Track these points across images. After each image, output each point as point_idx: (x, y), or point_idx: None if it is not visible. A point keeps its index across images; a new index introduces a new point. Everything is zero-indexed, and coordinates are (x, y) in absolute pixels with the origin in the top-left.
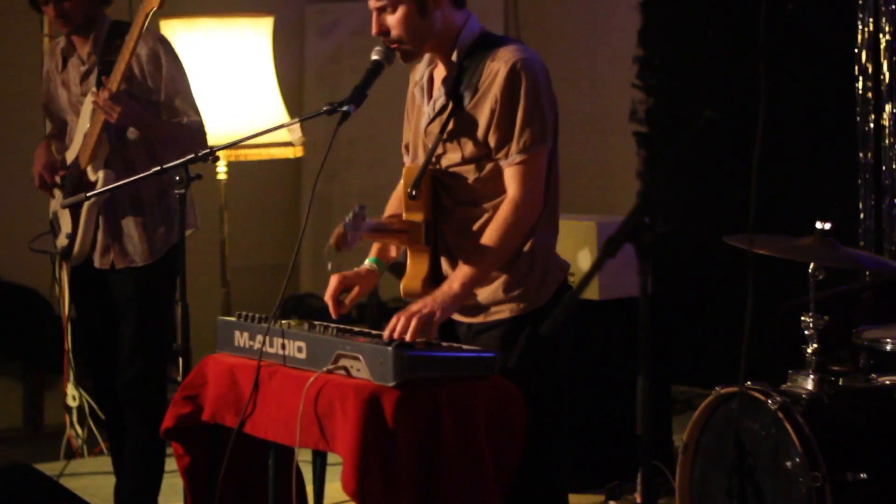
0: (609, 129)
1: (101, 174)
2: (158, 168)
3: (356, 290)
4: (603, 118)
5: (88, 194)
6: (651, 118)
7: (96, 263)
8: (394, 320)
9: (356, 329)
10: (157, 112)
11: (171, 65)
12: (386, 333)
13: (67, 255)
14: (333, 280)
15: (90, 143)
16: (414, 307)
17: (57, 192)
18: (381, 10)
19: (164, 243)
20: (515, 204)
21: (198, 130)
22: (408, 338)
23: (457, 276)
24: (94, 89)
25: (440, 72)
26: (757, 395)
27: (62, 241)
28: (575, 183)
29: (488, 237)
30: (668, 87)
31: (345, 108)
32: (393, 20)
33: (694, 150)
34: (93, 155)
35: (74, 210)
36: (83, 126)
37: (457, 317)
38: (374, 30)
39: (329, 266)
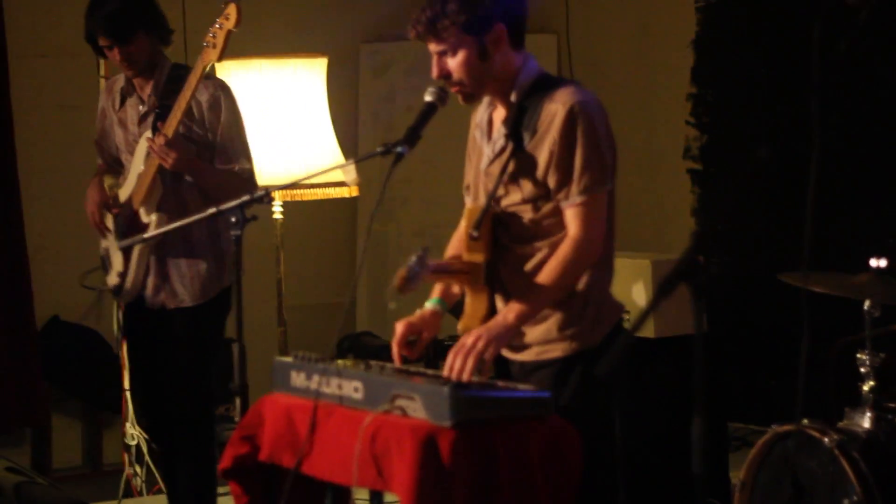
0: (663, 167)
1: (154, 217)
2: (214, 210)
3: (423, 335)
4: (656, 156)
5: (146, 236)
6: (705, 156)
7: (147, 303)
8: (450, 359)
9: (412, 369)
10: (210, 155)
11: (230, 113)
12: (445, 372)
13: (118, 293)
14: (399, 327)
15: (144, 185)
16: (468, 341)
17: (109, 230)
18: (442, 54)
19: (215, 284)
20: (576, 242)
21: (248, 179)
22: (465, 377)
23: (512, 308)
24: (149, 133)
25: (500, 113)
26: (814, 433)
27: (113, 278)
28: (629, 221)
29: (546, 273)
30: (721, 125)
31: (399, 149)
32: (454, 63)
33: (748, 188)
34: (146, 197)
35: (126, 249)
36: (137, 166)
37: (509, 354)
38: (434, 73)
39: (392, 305)
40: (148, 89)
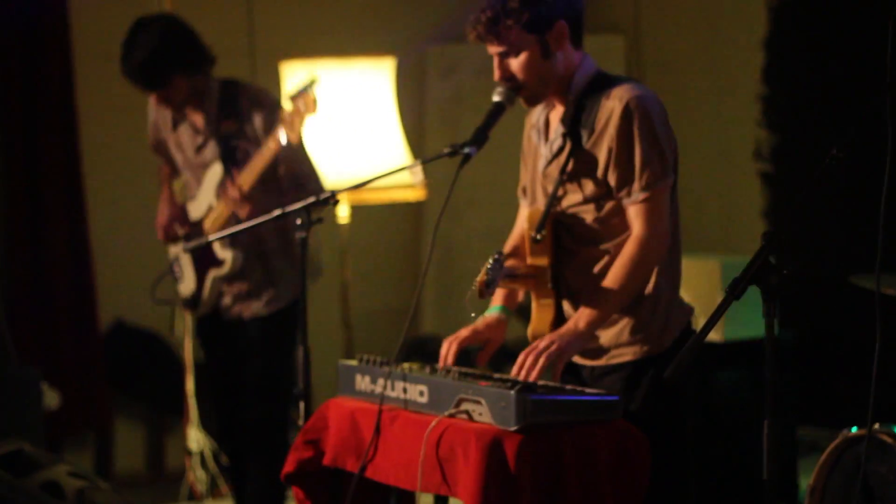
0: (733, 168)
1: (230, 255)
2: (279, 211)
3: (489, 345)
4: (727, 157)
5: (210, 238)
6: (776, 157)
7: (224, 316)
8: (521, 357)
9: (478, 372)
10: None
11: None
12: (514, 371)
13: (192, 307)
14: (464, 332)
15: (218, 220)
16: (541, 344)
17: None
18: (504, 55)
19: (289, 291)
20: (641, 240)
21: (315, 185)
22: (533, 376)
23: (582, 315)
24: (219, 168)
25: (556, 113)
26: (885, 437)
27: (185, 290)
28: (699, 222)
29: (614, 275)
30: (792, 126)
31: (466, 150)
32: (516, 64)
33: (820, 189)
34: (220, 230)
35: (198, 266)
36: (208, 195)
37: (579, 360)
38: (496, 75)
39: (473, 314)
40: (199, 119)
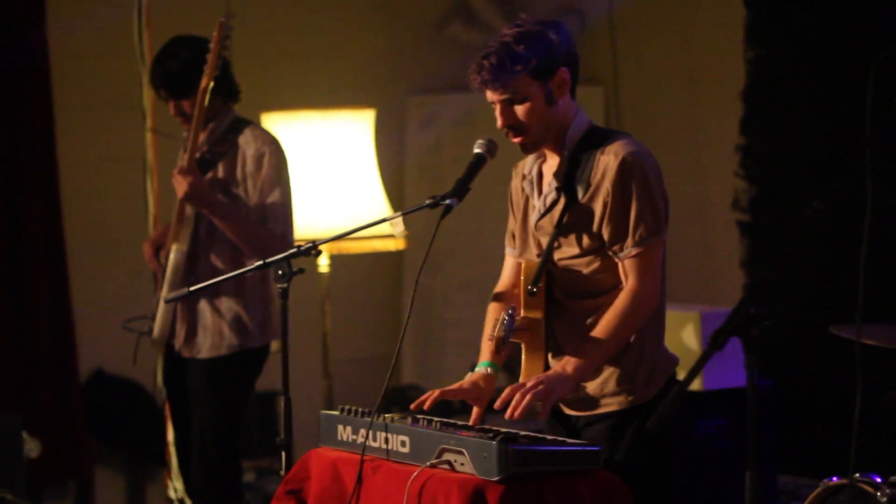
0: (711, 219)
1: (171, 254)
2: (261, 262)
3: (478, 402)
4: (705, 207)
5: (191, 289)
6: (754, 207)
7: (175, 347)
8: (507, 392)
9: (460, 423)
10: (248, 210)
11: (273, 169)
12: (498, 404)
13: (150, 334)
14: (451, 387)
15: (174, 222)
16: (529, 383)
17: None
18: (508, 103)
19: (238, 340)
20: (633, 294)
21: (279, 239)
22: (518, 413)
23: (570, 361)
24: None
25: (549, 166)
26: (866, 487)
27: (152, 322)
28: (678, 272)
29: (604, 325)
30: (771, 176)
31: (447, 201)
32: (522, 111)
33: (800, 240)
34: (175, 234)
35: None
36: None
37: (565, 409)
38: (499, 122)
39: (469, 377)
40: (203, 136)
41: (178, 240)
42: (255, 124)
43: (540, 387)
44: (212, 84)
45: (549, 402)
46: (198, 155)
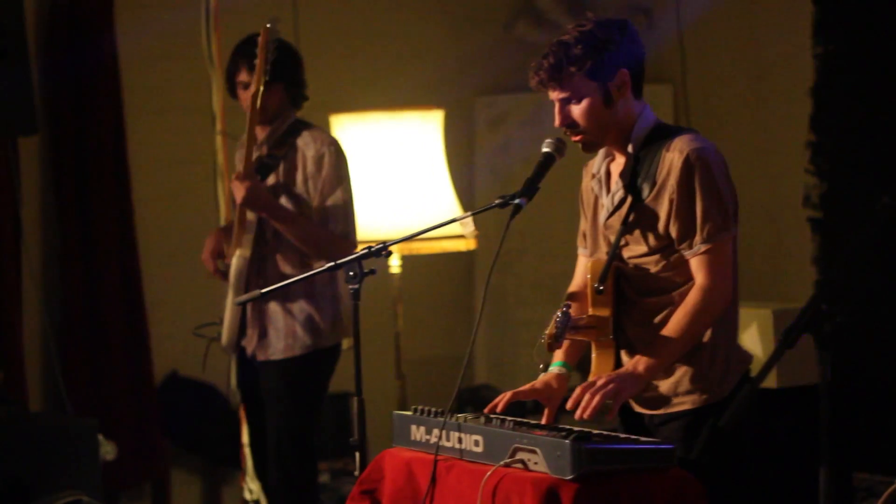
0: (782, 216)
1: (234, 260)
2: (333, 264)
3: (552, 401)
4: (776, 204)
5: (263, 291)
6: (825, 204)
7: (248, 351)
8: (578, 392)
9: (533, 421)
10: (310, 212)
11: (334, 170)
12: (569, 404)
13: (220, 338)
14: (523, 388)
15: (236, 228)
16: (599, 382)
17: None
18: (566, 102)
19: (312, 340)
20: (704, 290)
21: (342, 238)
22: (587, 413)
23: (641, 360)
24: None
25: (617, 165)
26: None
27: (221, 327)
28: (749, 270)
29: (675, 323)
30: (842, 173)
31: (517, 201)
32: (578, 111)
33: (872, 236)
34: (237, 240)
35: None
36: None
37: (638, 408)
38: (557, 121)
39: (542, 367)
40: (263, 136)
41: (240, 245)
42: (315, 126)
43: (610, 385)
44: (262, 89)
45: (619, 400)
46: (256, 155)
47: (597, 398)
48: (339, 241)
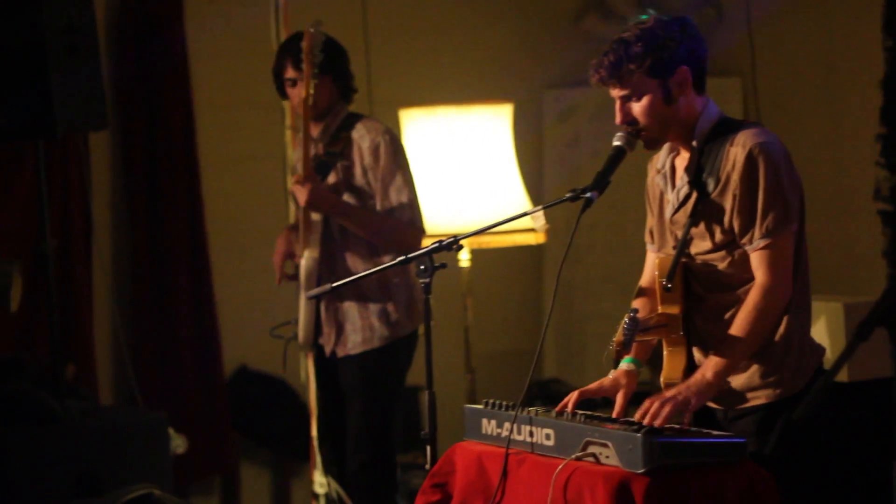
0: (853, 209)
1: (303, 261)
2: (403, 258)
3: (620, 399)
4: (846, 198)
5: (334, 285)
6: None
7: (326, 350)
8: (647, 403)
9: (604, 415)
10: (372, 202)
11: (391, 158)
12: (637, 415)
13: (296, 337)
14: (591, 386)
15: (301, 228)
16: (668, 393)
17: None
18: (626, 99)
19: (388, 332)
20: (764, 289)
21: (409, 225)
22: (658, 422)
23: (709, 366)
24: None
25: (682, 160)
26: None
27: (297, 327)
28: (819, 264)
29: (738, 324)
30: None
31: (588, 194)
32: (638, 108)
33: None
34: (305, 239)
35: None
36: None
37: (712, 404)
38: (618, 119)
39: (611, 374)
40: (318, 131)
41: (308, 246)
42: (367, 116)
43: (679, 396)
44: (312, 92)
45: (690, 410)
46: (313, 155)
47: (666, 408)
48: (406, 230)
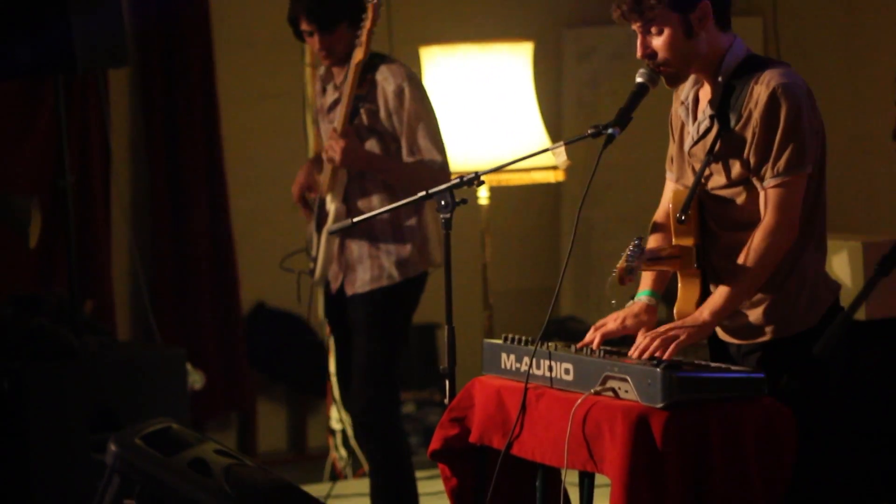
0: (872, 149)
1: (333, 206)
2: (425, 193)
3: (641, 334)
4: (866, 138)
5: (355, 220)
6: None
7: (332, 287)
8: (639, 338)
9: (623, 350)
10: (397, 146)
11: (416, 102)
12: (631, 351)
13: (313, 274)
14: (611, 324)
15: (327, 173)
16: (661, 328)
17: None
18: (647, 33)
19: (396, 271)
20: (768, 230)
21: (439, 170)
22: (646, 356)
23: (707, 305)
24: (335, 123)
25: (705, 93)
26: None
27: (311, 262)
28: (839, 203)
29: (739, 264)
30: None
31: (610, 130)
32: (659, 42)
33: None
34: (331, 185)
35: (318, 234)
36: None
37: (726, 338)
38: (639, 52)
39: (613, 302)
40: (342, 76)
41: (332, 190)
42: (389, 58)
43: (670, 333)
44: (362, 58)
45: (681, 347)
46: (335, 97)
47: (655, 342)
48: (438, 175)
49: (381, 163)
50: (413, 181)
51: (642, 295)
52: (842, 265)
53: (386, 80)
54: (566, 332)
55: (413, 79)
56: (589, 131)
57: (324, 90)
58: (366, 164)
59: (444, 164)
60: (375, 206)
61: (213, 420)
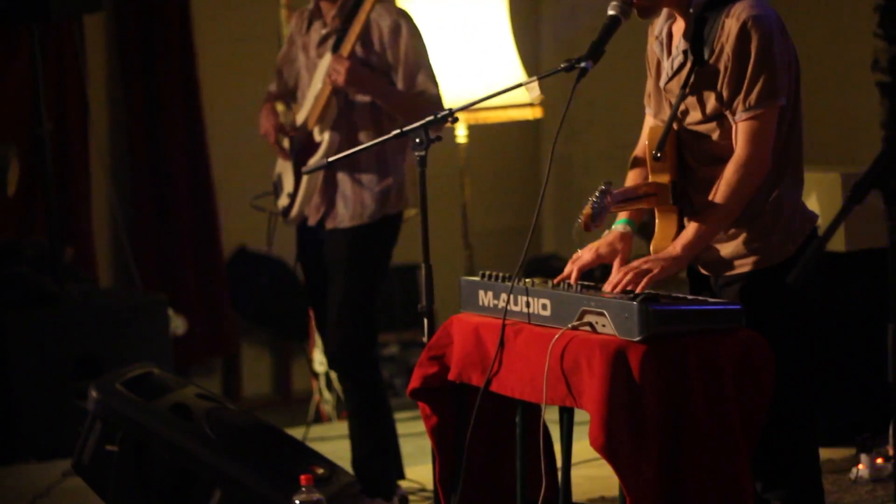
0: (851, 80)
1: (326, 135)
2: (399, 131)
3: (616, 263)
4: (844, 69)
5: (330, 159)
6: (894, 67)
7: (310, 221)
8: (613, 273)
9: (600, 285)
10: (391, 81)
11: (412, 38)
12: (606, 287)
13: (286, 214)
14: (586, 255)
15: (319, 105)
16: (634, 262)
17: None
18: None
19: (379, 208)
20: (740, 163)
21: (436, 104)
22: (617, 290)
23: (680, 239)
24: (329, 53)
25: (678, 27)
26: None
27: (283, 200)
28: (818, 135)
29: (712, 198)
30: None
31: (582, 64)
32: None
33: None
34: (321, 117)
35: (297, 170)
36: (315, 87)
37: (704, 270)
38: None
39: (578, 247)
40: (332, 12)
41: (323, 121)
42: None
43: (643, 267)
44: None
45: (652, 280)
46: (325, 31)
47: (628, 276)
48: (434, 107)
49: (383, 87)
50: (410, 110)
51: (618, 224)
52: (820, 197)
53: (380, 16)
54: (548, 269)
55: (406, 15)
56: (562, 65)
57: (309, 25)
58: (370, 86)
59: (440, 99)
60: (362, 142)
61: (198, 365)
